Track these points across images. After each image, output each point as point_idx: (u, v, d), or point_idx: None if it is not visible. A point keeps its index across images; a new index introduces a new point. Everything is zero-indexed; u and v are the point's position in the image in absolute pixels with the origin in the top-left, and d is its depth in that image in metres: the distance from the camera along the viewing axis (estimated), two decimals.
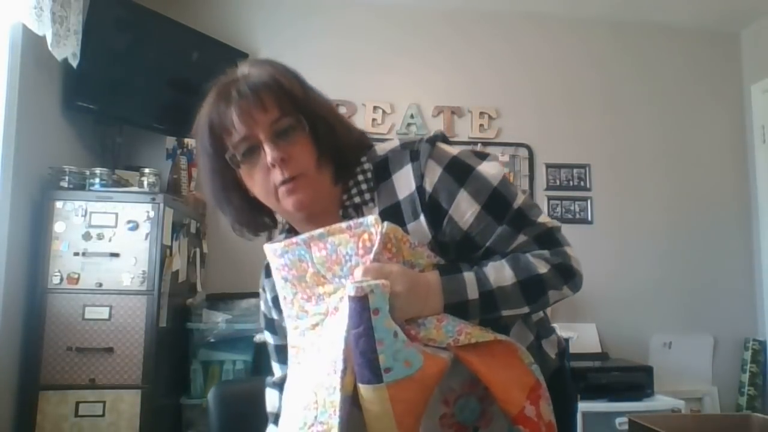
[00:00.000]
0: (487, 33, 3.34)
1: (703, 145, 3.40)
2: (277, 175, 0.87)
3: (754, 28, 3.42)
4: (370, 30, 3.25)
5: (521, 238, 0.88)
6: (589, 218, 3.26)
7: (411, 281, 0.79)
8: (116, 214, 2.15)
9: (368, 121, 3.16)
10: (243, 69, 0.93)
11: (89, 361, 2.07)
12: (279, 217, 1.01)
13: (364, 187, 0.92)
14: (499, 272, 0.84)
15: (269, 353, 1.08)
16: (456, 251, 0.88)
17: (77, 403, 2.04)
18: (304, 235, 0.85)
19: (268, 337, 1.08)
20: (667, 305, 3.24)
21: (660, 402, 2.65)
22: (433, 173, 0.88)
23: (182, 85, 2.85)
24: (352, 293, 0.72)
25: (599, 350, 3.01)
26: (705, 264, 3.29)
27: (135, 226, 2.16)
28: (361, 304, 0.71)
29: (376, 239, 0.80)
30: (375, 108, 3.18)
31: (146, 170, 2.34)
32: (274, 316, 1.02)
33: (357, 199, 0.92)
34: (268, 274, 1.00)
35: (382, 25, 3.26)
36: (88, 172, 2.24)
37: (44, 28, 2.06)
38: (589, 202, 3.27)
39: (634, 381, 2.69)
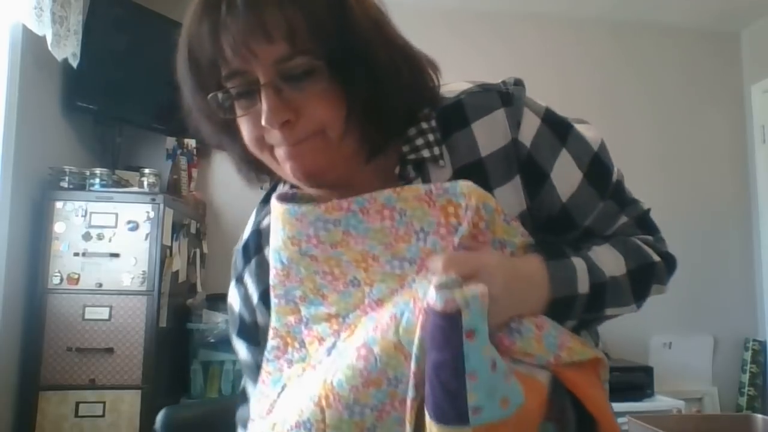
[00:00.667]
0: (485, 33, 3.34)
1: (703, 145, 3.40)
2: (276, 137, 0.60)
3: (754, 28, 3.42)
4: None
5: (623, 219, 0.73)
6: None
7: (510, 275, 0.57)
8: (116, 215, 2.15)
9: None
10: None
11: (89, 361, 2.07)
12: None
13: (431, 138, 0.65)
14: (610, 259, 0.67)
15: (244, 370, 0.78)
16: (547, 229, 0.67)
17: (77, 404, 2.04)
18: (363, 197, 0.59)
19: (242, 349, 0.76)
20: (667, 305, 3.23)
21: (660, 402, 2.65)
22: (532, 124, 0.68)
23: None
24: (439, 307, 0.51)
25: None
26: (705, 264, 3.29)
27: (135, 227, 2.16)
28: (451, 323, 0.50)
29: (465, 215, 0.57)
30: None
31: (146, 170, 2.34)
32: (259, 318, 0.73)
33: (425, 153, 0.64)
34: (249, 255, 0.76)
35: None
36: (88, 173, 2.24)
37: (44, 28, 2.06)
38: None
39: (634, 381, 2.69)
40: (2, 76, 2.02)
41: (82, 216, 2.13)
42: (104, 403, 2.05)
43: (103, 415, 2.05)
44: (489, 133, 0.66)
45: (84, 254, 2.11)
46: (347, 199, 0.61)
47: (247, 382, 0.77)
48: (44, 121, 2.29)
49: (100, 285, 2.11)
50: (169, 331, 2.26)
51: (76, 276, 2.10)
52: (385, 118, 0.62)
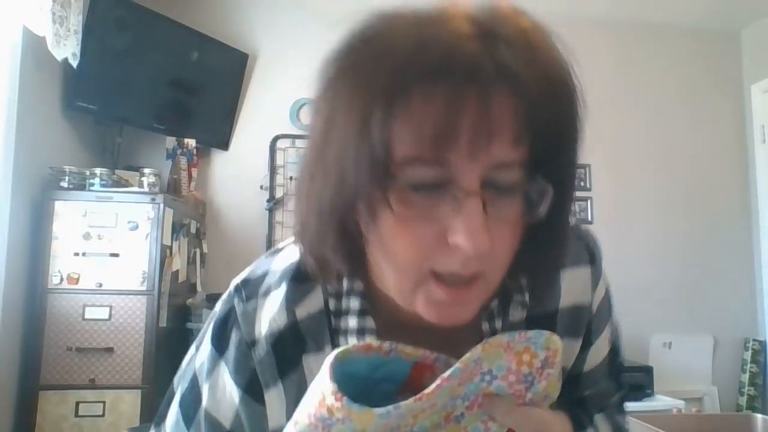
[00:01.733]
0: None
1: (703, 145, 3.40)
2: (453, 262, 0.45)
3: (754, 28, 3.42)
4: None
5: (614, 399, 0.69)
6: (589, 218, 3.26)
7: None
8: (116, 214, 2.15)
9: None
10: (522, 24, 0.49)
11: (89, 361, 2.07)
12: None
13: (522, 282, 0.58)
14: None
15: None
16: None
17: (77, 403, 2.04)
18: (457, 368, 0.47)
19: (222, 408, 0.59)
20: (667, 305, 3.24)
21: (660, 402, 2.65)
22: (601, 291, 0.64)
23: (182, 85, 2.85)
24: None
25: None
26: (705, 264, 3.29)
27: (135, 226, 2.16)
28: None
29: (543, 371, 0.50)
30: None
31: (146, 170, 2.34)
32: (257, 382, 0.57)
33: (518, 296, 0.59)
34: (285, 362, 0.57)
35: None
36: (88, 173, 2.24)
37: (44, 29, 2.06)
38: (589, 202, 3.27)
39: (634, 381, 2.69)
40: (2, 76, 2.02)
41: (82, 216, 2.13)
42: (104, 402, 2.05)
43: (103, 415, 2.05)
44: (573, 287, 0.61)
45: (84, 254, 2.11)
46: (444, 378, 0.46)
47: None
48: (44, 121, 2.29)
49: (100, 285, 2.11)
50: (169, 331, 2.26)
51: (76, 276, 2.10)
52: (539, 264, 0.53)
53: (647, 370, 2.76)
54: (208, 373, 0.60)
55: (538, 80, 0.45)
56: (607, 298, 0.65)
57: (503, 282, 0.52)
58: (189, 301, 2.53)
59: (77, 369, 2.06)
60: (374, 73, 0.45)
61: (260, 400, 0.58)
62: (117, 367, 2.08)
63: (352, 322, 0.56)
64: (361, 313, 0.56)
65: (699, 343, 3.22)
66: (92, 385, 2.06)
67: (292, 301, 0.58)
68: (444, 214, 0.44)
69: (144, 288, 2.13)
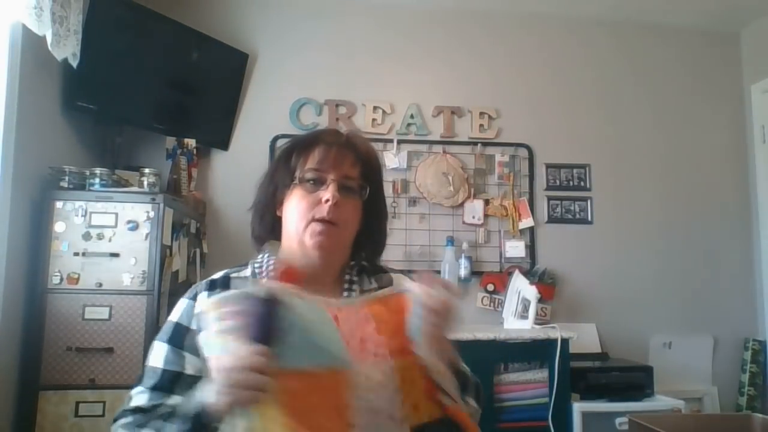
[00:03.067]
0: (487, 33, 3.34)
1: (703, 145, 3.40)
2: (322, 211, 0.98)
3: (754, 28, 3.42)
4: (370, 30, 3.25)
5: None
6: (589, 218, 3.26)
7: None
8: (116, 214, 2.15)
9: (368, 121, 3.16)
10: (353, 131, 1.12)
11: (89, 361, 2.07)
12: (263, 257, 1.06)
13: (365, 264, 1.10)
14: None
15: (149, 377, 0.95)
16: None
17: (77, 403, 2.04)
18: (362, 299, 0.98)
19: (169, 355, 0.95)
20: (667, 305, 3.24)
21: (660, 402, 2.65)
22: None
23: (182, 85, 2.85)
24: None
25: (599, 350, 3.01)
26: (705, 264, 3.29)
27: (135, 226, 2.16)
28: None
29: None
30: (375, 108, 3.18)
31: (146, 170, 2.34)
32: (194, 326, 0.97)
33: (364, 264, 1.10)
34: (214, 286, 1.02)
35: (382, 25, 3.27)
36: (88, 172, 2.24)
37: (44, 28, 2.06)
38: (589, 202, 3.27)
39: (634, 381, 2.69)
40: (2, 76, 2.01)
41: (82, 216, 2.13)
42: (104, 402, 2.05)
43: (103, 415, 2.04)
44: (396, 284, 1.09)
45: (84, 254, 2.11)
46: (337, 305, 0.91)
47: (142, 389, 0.94)
48: (44, 121, 2.29)
49: (100, 285, 2.11)
50: None
51: (76, 276, 2.10)
52: (370, 246, 1.10)
53: (647, 370, 2.75)
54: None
55: (363, 147, 1.08)
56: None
57: (351, 270, 1.08)
58: None
59: (77, 369, 2.06)
60: (294, 142, 1.09)
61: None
62: (117, 367, 2.08)
63: (270, 268, 1.03)
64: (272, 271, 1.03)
65: (699, 343, 3.22)
66: (92, 385, 2.06)
67: (227, 272, 1.06)
68: (321, 192, 1.01)
69: (144, 288, 2.13)
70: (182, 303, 1.00)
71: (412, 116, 3.21)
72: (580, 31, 3.40)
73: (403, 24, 3.28)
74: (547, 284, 3.08)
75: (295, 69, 3.16)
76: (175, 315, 0.99)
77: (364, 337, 0.85)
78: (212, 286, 1.01)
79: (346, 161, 1.03)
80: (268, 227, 1.08)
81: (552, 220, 3.23)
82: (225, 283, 1.02)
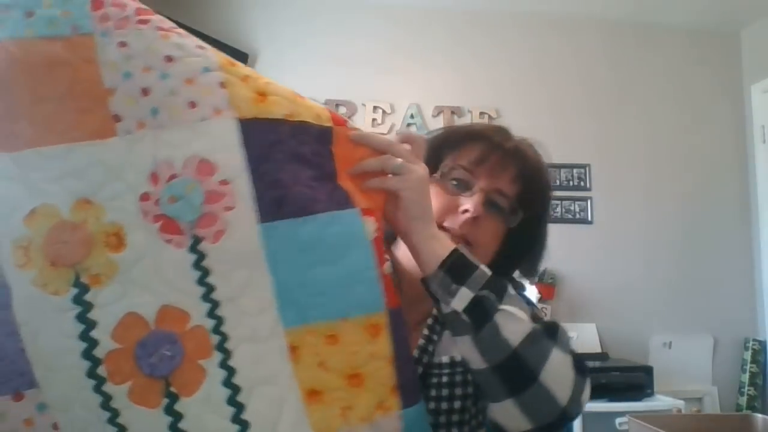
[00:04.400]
0: (487, 33, 3.34)
1: (703, 145, 3.40)
2: (456, 221, 0.79)
3: (754, 28, 3.42)
4: (370, 30, 3.25)
5: None
6: (589, 218, 3.26)
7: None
8: None
9: (368, 121, 3.16)
10: (524, 139, 0.91)
11: None
12: None
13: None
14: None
15: None
16: None
17: None
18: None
19: None
20: (667, 305, 3.24)
21: (660, 402, 2.65)
22: None
23: None
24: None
25: (599, 350, 3.01)
26: (705, 264, 3.29)
27: None
28: None
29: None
30: (375, 108, 3.18)
31: None
32: None
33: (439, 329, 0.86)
34: None
35: (382, 25, 3.27)
36: None
37: None
38: (589, 202, 3.27)
39: (634, 381, 2.69)
40: None
41: None
42: None
43: None
44: None
45: None
46: None
47: None
48: None
49: None
50: None
51: None
52: (505, 272, 0.85)
53: (647, 370, 2.76)
54: None
55: (533, 161, 0.87)
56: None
57: None
58: None
59: None
60: (452, 130, 0.92)
61: None
62: None
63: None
64: None
65: (699, 343, 3.22)
66: None
67: None
68: (462, 199, 0.81)
69: None
70: None
71: (412, 116, 3.21)
72: (579, 31, 3.40)
73: (402, 24, 3.28)
74: (547, 284, 3.08)
75: (295, 69, 3.15)
76: None
77: None
78: None
79: (506, 173, 0.82)
80: None
81: (552, 220, 3.18)
82: None
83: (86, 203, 0.55)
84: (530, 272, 0.93)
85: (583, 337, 2.93)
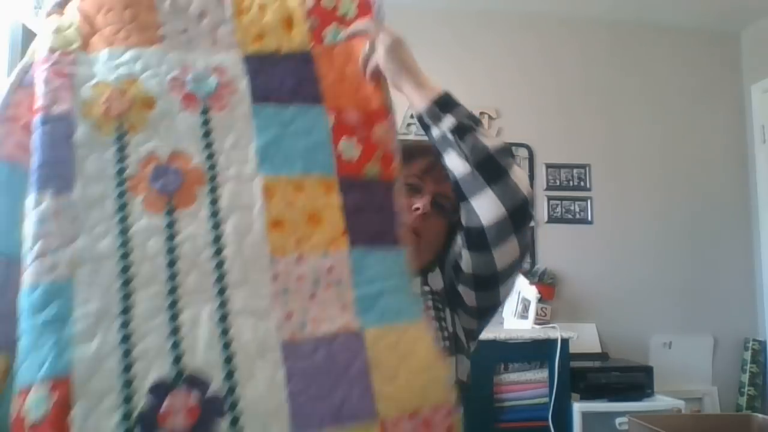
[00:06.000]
0: (487, 33, 3.34)
1: (703, 145, 3.40)
2: (410, 216, 0.96)
3: (754, 28, 3.42)
4: None
5: None
6: (589, 218, 3.26)
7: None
8: None
9: None
10: None
11: None
12: None
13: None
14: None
15: None
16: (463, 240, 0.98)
17: None
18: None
19: None
20: (667, 305, 3.24)
21: (660, 402, 2.65)
22: None
23: None
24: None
25: (599, 350, 3.01)
26: (705, 264, 3.29)
27: None
28: None
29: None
30: None
31: None
32: None
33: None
34: None
35: None
36: None
37: None
38: (589, 202, 3.27)
39: (634, 381, 2.69)
40: (2, 76, 2.01)
41: None
42: None
43: None
44: None
45: None
46: None
47: None
48: None
49: None
50: None
51: None
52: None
53: (647, 370, 2.76)
54: None
55: None
56: None
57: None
58: None
59: None
60: (408, 147, 0.99)
61: None
62: None
63: None
64: None
65: (699, 343, 3.22)
66: None
67: None
68: (414, 200, 0.99)
69: None
70: None
71: (412, 116, 3.19)
72: (580, 31, 3.40)
73: (402, 24, 3.25)
74: (547, 284, 3.08)
75: None
76: None
77: None
78: None
79: (449, 180, 0.95)
80: None
81: (552, 220, 3.23)
82: None
83: (131, 81, 0.81)
84: None
85: (583, 337, 2.93)
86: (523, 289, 2.87)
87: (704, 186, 3.36)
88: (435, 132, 0.88)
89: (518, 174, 0.85)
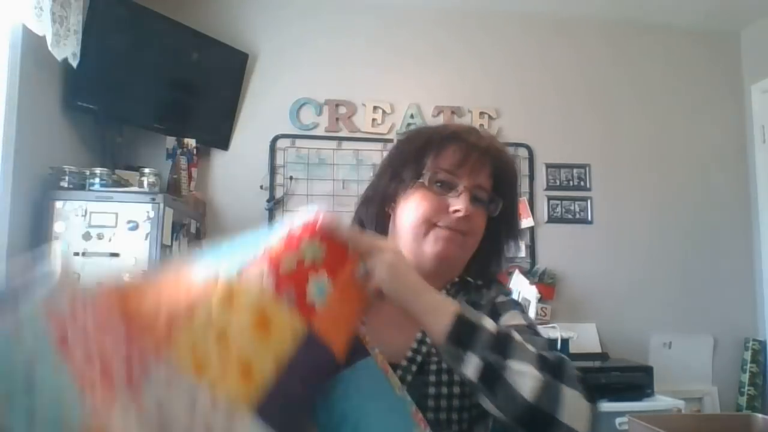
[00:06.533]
0: (487, 33, 3.34)
1: (703, 145, 3.40)
2: (449, 219, 0.89)
3: (754, 28, 3.42)
4: (370, 30, 3.25)
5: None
6: (589, 218, 3.26)
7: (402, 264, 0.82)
8: (116, 214, 2.15)
9: (368, 121, 3.16)
10: (494, 137, 1.02)
11: None
12: None
13: (483, 301, 0.95)
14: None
15: None
16: None
17: None
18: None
19: None
20: (667, 305, 3.24)
21: (660, 402, 2.65)
22: (501, 299, 0.96)
23: (182, 85, 2.85)
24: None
25: (599, 350, 3.01)
26: (705, 264, 3.29)
27: (135, 226, 2.16)
28: None
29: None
30: (375, 108, 3.18)
31: (146, 170, 2.34)
32: None
33: (470, 282, 0.99)
34: None
35: (382, 25, 3.26)
36: (88, 172, 2.24)
37: (44, 28, 2.06)
38: (589, 202, 3.27)
39: (634, 381, 2.69)
40: (2, 76, 2.01)
41: (82, 216, 2.13)
42: None
43: None
44: (487, 300, 0.96)
45: (84, 254, 2.11)
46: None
47: None
48: (44, 121, 2.28)
49: (100, 285, 2.10)
50: None
51: (76, 276, 2.09)
52: (489, 263, 1.00)
53: (647, 370, 2.76)
54: None
55: (504, 156, 0.97)
56: (512, 303, 0.95)
57: (463, 280, 0.98)
58: None
59: None
60: (428, 137, 0.95)
61: None
62: None
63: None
64: None
65: (699, 343, 3.22)
66: None
67: None
68: (449, 198, 0.91)
69: None
70: None
71: (412, 116, 3.20)
72: (580, 32, 3.40)
73: (402, 24, 3.28)
74: (547, 284, 3.08)
75: (295, 69, 3.15)
76: None
77: None
78: None
79: (484, 170, 0.92)
80: (376, 224, 0.98)
81: (552, 220, 3.23)
82: None
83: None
84: (516, 246, 1.06)
85: (583, 337, 2.93)
86: (523, 288, 2.87)
87: (704, 186, 3.36)
88: (461, 373, 0.71)
89: (571, 410, 0.67)
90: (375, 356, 0.76)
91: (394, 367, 0.81)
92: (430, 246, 0.90)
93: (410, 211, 0.92)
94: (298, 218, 0.73)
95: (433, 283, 0.81)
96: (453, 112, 3.24)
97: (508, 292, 0.99)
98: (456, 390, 0.84)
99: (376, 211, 0.98)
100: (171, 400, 0.58)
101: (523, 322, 0.89)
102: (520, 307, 0.95)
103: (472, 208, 0.90)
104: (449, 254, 0.90)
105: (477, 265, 0.98)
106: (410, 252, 0.91)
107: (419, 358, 0.86)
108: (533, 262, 3.16)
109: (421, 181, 0.91)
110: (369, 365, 0.75)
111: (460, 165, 0.91)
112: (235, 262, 0.70)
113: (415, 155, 0.94)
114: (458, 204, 0.89)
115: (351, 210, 1.05)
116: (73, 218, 2.13)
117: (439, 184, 0.91)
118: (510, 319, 0.89)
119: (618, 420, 2.49)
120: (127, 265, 2.13)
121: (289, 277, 0.68)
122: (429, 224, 0.90)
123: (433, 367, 0.85)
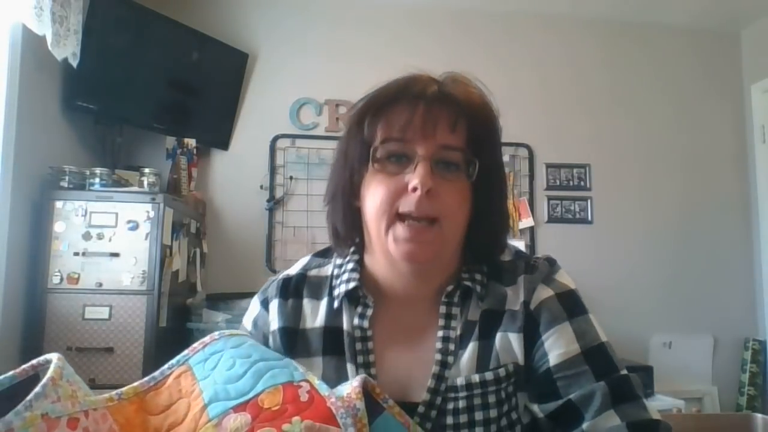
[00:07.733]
0: (487, 33, 3.34)
1: (703, 145, 3.40)
2: (409, 203, 0.69)
3: (754, 28, 3.42)
4: (370, 30, 3.25)
5: (614, 420, 0.74)
6: (589, 218, 3.26)
7: None
8: (116, 214, 2.15)
9: None
10: (450, 75, 0.77)
11: (89, 361, 2.07)
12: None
13: (479, 277, 0.78)
14: None
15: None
16: (533, 387, 0.74)
17: None
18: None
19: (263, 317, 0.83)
20: (667, 305, 3.24)
21: (660, 402, 2.65)
22: (542, 294, 0.78)
23: (182, 85, 2.85)
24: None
25: None
26: (705, 264, 3.29)
27: (135, 226, 2.16)
28: None
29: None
30: None
31: (146, 170, 2.34)
32: (270, 344, 0.81)
33: (478, 288, 0.78)
34: (287, 292, 0.82)
35: (382, 25, 3.26)
36: (88, 172, 2.24)
37: (44, 28, 2.06)
38: (589, 202, 3.27)
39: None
40: (2, 76, 2.01)
41: (82, 216, 2.13)
42: None
43: None
44: (513, 293, 0.78)
45: (84, 254, 2.11)
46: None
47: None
48: (44, 121, 2.29)
49: (100, 285, 2.11)
50: (169, 331, 2.26)
51: (76, 275, 2.10)
52: (487, 237, 0.78)
53: (647, 370, 2.76)
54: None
55: (466, 97, 0.74)
56: (556, 302, 0.77)
57: (461, 275, 0.77)
58: (189, 300, 2.53)
59: (77, 369, 2.00)
60: (366, 101, 0.75)
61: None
62: (117, 367, 2.08)
63: (344, 276, 0.79)
64: (353, 270, 0.79)
65: (699, 343, 3.22)
66: (92, 385, 2.03)
67: (307, 266, 0.85)
68: (407, 174, 0.70)
69: (144, 288, 2.13)
70: (254, 308, 0.86)
71: None
72: (580, 31, 3.40)
73: (403, 24, 3.28)
74: None
75: (295, 69, 3.15)
76: (248, 323, 0.86)
77: None
78: (284, 292, 0.82)
79: (441, 124, 0.70)
80: (349, 224, 0.78)
81: (552, 219, 3.23)
82: (298, 288, 0.82)
83: None
84: (500, 233, 0.82)
85: None
86: None
87: (704, 186, 3.36)
88: None
89: None
90: (391, 409, 0.68)
91: (412, 408, 0.72)
92: (393, 246, 0.71)
93: (368, 203, 0.73)
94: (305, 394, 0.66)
95: (425, 287, 0.76)
96: None
97: (531, 265, 0.81)
98: (478, 431, 0.74)
99: (342, 209, 0.78)
100: None
101: (575, 347, 0.74)
102: (569, 302, 0.78)
103: (439, 180, 0.70)
104: (418, 254, 0.71)
105: (475, 249, 0.79)
106: (382, 254, 0.75)
107: (438, 400, 0.73)
108: None
109: (372, 165, 0.72)
110: (387, 422, 0.67)
111: (407, 127, 0.70)
112: (224, 394, 0.67)
113: (356, 128, 0.74)
114: (414, 178, 0.69)
115: None
116: (73, 218, 2.13)
117: (391, 158, 0.71)
118: (556, 344, 0.74)
119: None
120: (127, 265, 2.13)
121: None
122: (390, 215, 0.71)
123: (450, 405, 0.73)
